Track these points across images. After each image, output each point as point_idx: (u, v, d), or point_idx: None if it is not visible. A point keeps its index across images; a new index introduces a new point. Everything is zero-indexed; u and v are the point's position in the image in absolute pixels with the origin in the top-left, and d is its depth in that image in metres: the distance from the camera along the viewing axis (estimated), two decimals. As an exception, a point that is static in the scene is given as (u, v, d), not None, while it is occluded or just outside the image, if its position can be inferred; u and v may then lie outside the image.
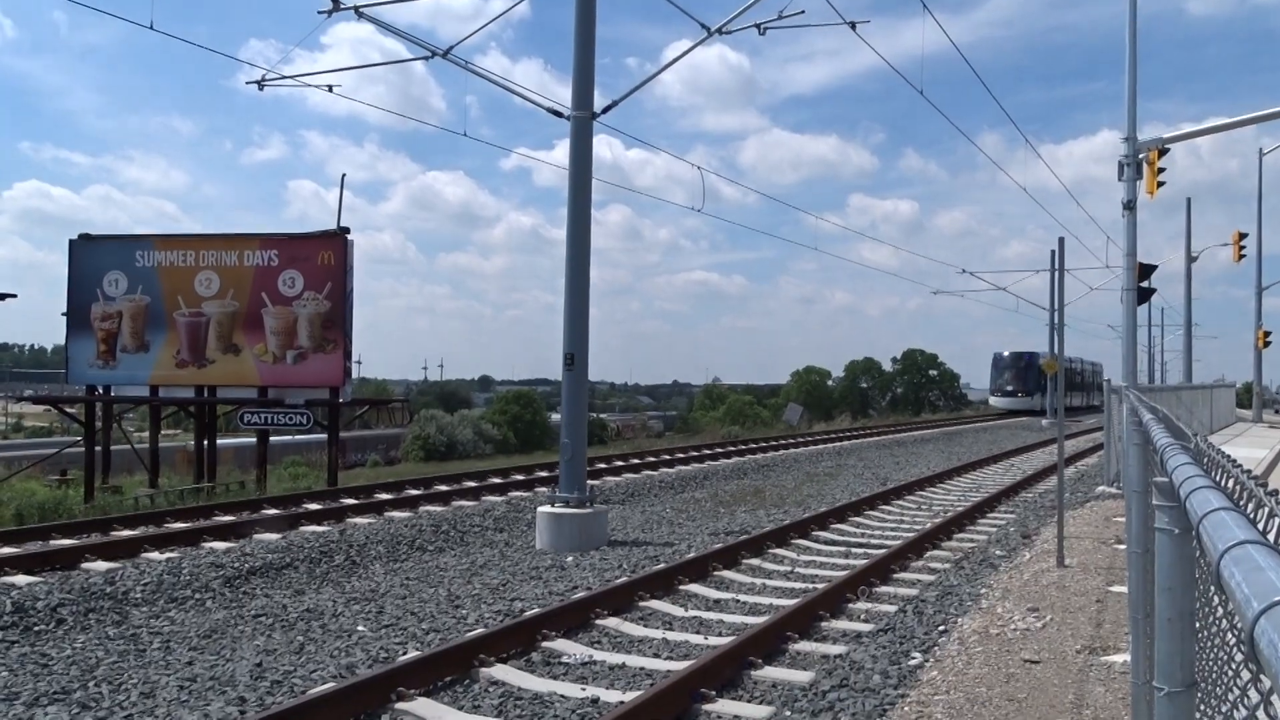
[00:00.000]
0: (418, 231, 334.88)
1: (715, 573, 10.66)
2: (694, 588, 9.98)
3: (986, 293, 69.38)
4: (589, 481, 14.02)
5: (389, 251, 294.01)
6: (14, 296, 20.31)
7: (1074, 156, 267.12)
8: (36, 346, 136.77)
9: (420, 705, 6.35)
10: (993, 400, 63.72)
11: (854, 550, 12.36)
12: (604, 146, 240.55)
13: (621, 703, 6.25)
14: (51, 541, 12.28)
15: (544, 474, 19.62)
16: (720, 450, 26.95)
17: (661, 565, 10.66)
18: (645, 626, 8.53)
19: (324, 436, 21.11)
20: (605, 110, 13.89)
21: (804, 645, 7.82)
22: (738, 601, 9.53)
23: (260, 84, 16.00)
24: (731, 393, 74.94)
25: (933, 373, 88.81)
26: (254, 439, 20.92)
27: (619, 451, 27.43)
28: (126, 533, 12.79)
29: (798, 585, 10.26)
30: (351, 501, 15.81)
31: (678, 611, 9.08)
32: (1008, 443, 33.26)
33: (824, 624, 8.52)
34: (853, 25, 14.26)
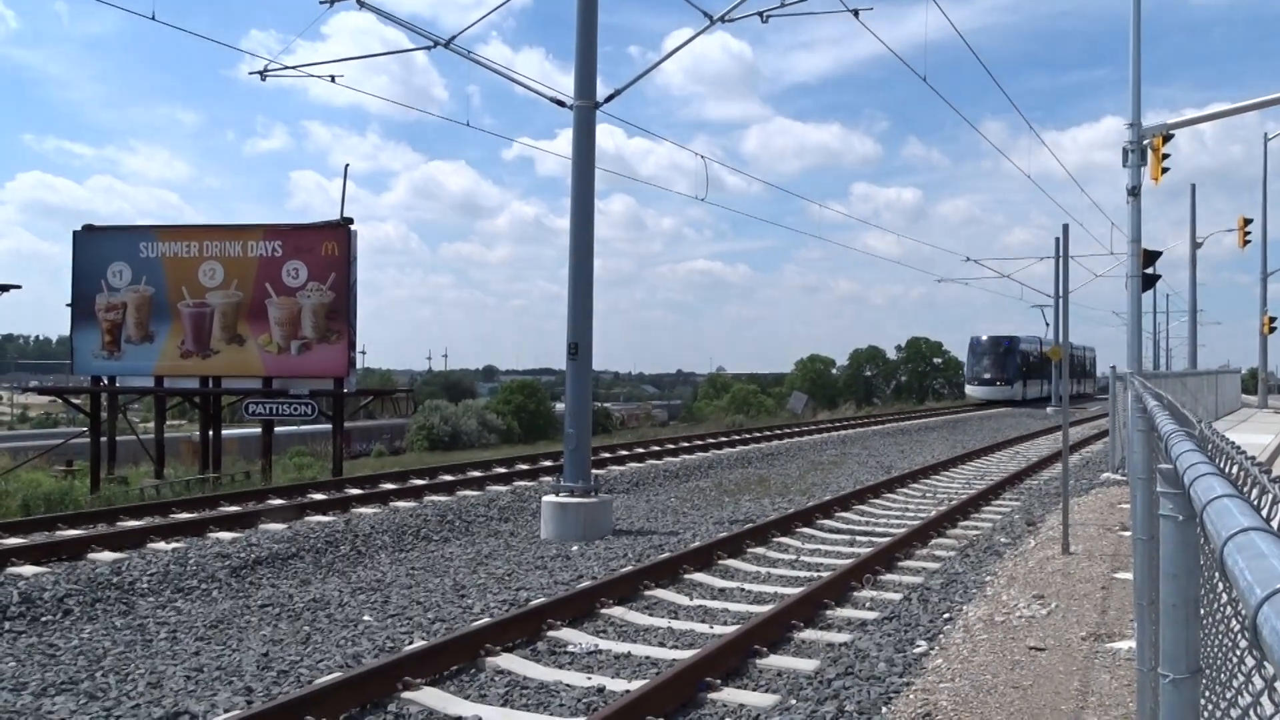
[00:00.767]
0: (420, 221, 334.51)
1: (720, 561, 10.68)
2: (699, 577, 10.00)
3: (991, 280, 68.39)
4: (594, 471, 14.03)
5: (392, 242, 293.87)
6: (18, 287, 20.41)
7: (1078, 143, 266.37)
8: (41, 337, 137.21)
9: (426, 695, 6.37)
10: (969, 390, 57.47)
11: (859, 538, 12.37)
12: (606, 136, 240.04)
13: (627, 691, 6.27)
14: (58, 532, 12.32)
15: (548, 463, 19.65)
16: (725, 439, 26.96)
17: (666, 554, 10.68)
18: (651, 615, 8.55)
19: (328, 427, 21.16)
20: (608, 99, 13.85)
21: (809, 633, 7.84)
22: (743, 590, 9.55)
23: (263, 74, 15.99)
24: (736, 382, 75.11)
25: (937, 361, 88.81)
26: (259, 429, 20.97)
27: (623, 441, 27.45)
28: (132, 523, 12.82)
29: (803, 574, 10.27)
30: (357, 492, 15.84)
31: (683, 600, 9.10)
32: (1012, 430, 33.25)
33: (829, 612, 8.53)
34: (855, 13, 14.16)
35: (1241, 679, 1.45)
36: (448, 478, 17.80)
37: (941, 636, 7.57)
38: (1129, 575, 8.28)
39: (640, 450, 23.06)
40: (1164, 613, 2.19)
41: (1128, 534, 9.74)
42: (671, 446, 24.06)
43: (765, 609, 8.34)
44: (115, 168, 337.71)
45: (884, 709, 5.98)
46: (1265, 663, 1.09)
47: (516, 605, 8.66)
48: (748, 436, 28.49)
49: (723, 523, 13.38)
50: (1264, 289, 38.30)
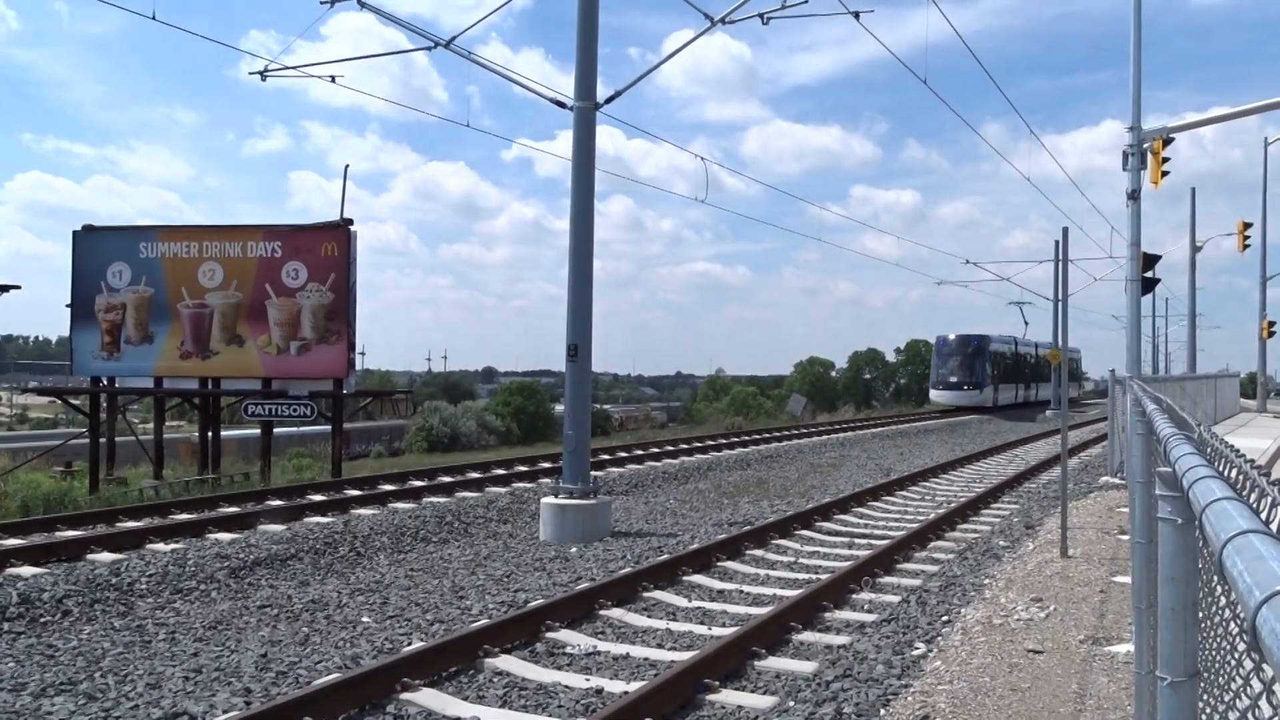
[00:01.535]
0: (420, 222, 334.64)
1: (719, 563, 10.68)
2: (698, 578, 10.00)
3: (990, 283, 67.48)
4: (593, 472, 14.03)
5: (391, 242, 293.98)
6: (18, 288, 20.38)
7: (1078, 146, 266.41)
8: (41, 338, 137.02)
9: (425, 696, 6.37)
10: (933, 395, 50.29)
11: (857, 541, 12.37)
12: (606, 137, 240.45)
13: (626, 693, 6.27)
14: (57, 533, 12.31)
15: (548, 465, 19.65)
16: (724, 441, 26.95)
17: (665, 556, 10.68)
18: (649, 617, 8.55)
19: (328, 428, 21.15)
20: (608, 101, 13.86)
21: (807, 635, 7.84)
22: (741, 592, 9.55)
23: (263, 74, 16.00)
24: (735, 384, 75.10)
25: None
26: (258, 430, 20.95)
27: (622, 443, 27.45)
28: (131, 524, 12.82)
29: (801, 576, 10.28)
30: (355, 493, 15.84)
31: (681, 602, 9.10)
32: (1011, 434, 33.27)
33: (827, 614, 8.53)
34: (856, 15, 14.19)
35: (1240, 681, 1.45)
36: (447, 479, 17.79)
37: (940, 639, 7.57)
38: (1127, 579, 8.27)
39: (639, 452, 23.06)
40: (1162, 616, 2.19)
41: (1126, 538, 9.74)
42: (670, 448, 24.06)
43: (764, 611, 8.34)
44: (115, 168, 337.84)
45: (882, 711, 5.98)
46: (1264, 665, 1.09)
47: (515, 606, 8.66)
48: (746, 439, 28.49)
49: (721, 525, 13.38)
50: (1263, 293, 38.37)
